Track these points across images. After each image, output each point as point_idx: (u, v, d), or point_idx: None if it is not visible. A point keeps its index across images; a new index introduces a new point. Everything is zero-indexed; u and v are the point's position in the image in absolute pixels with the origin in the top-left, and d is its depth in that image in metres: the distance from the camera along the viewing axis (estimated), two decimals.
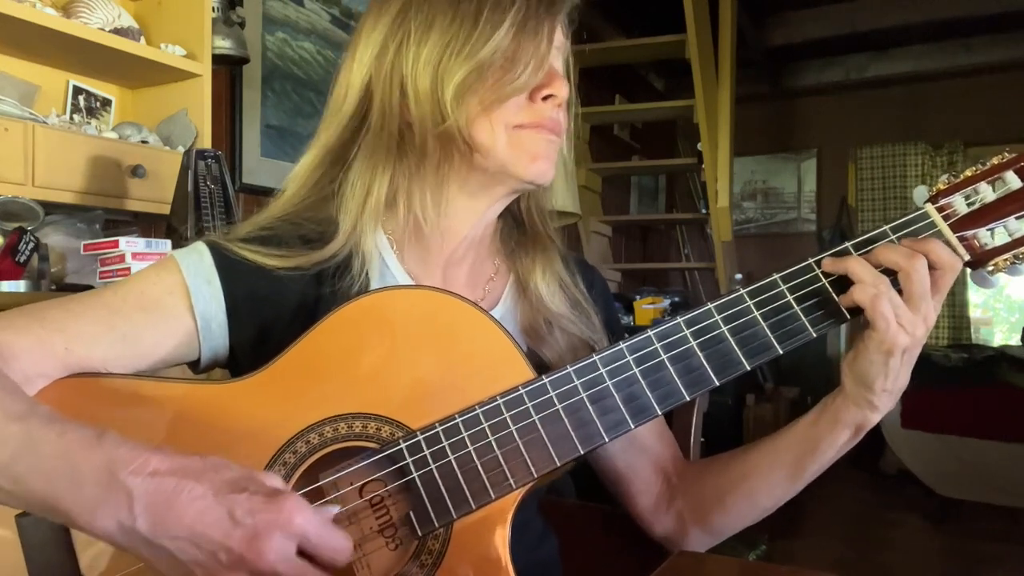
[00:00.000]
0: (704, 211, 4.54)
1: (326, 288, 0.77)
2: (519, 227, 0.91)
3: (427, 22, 0.76)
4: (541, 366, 0.81)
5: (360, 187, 0.80)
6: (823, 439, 0.76)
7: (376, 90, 0.78)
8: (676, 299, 3.68)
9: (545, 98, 0.77)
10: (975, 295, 5.21)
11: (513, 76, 0.74)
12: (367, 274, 0.79)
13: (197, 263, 0.77)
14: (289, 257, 0.77)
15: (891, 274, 0.69)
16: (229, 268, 0.77)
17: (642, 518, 0.89)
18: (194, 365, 0.79)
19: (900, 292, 0.68)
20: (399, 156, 0.80)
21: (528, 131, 0.77)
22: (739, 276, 4.12)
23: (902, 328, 0.68)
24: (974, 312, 5.24)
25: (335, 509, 0.63)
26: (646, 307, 3.57)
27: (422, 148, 0.78)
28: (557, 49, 0.79)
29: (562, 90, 0.77)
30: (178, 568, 0.55)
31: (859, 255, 0.70)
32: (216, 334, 0.77)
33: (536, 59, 0.75)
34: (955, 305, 5.02)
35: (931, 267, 0.68)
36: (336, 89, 0.83)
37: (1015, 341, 4.72)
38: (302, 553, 0.56)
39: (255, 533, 0.53)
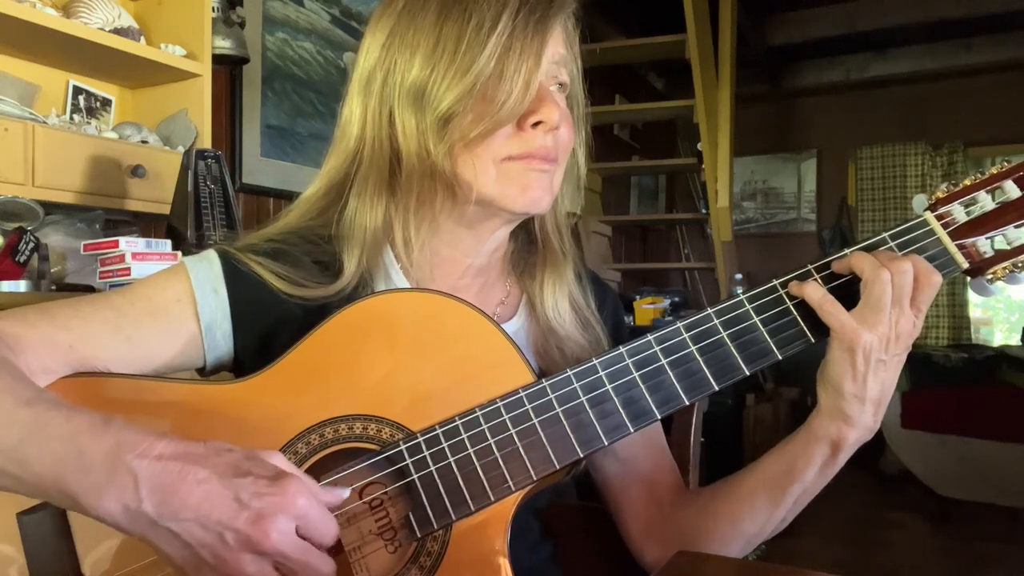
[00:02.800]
0: (704, 211, 4.54)
1: (330, 310, 0.75)
2: (531, 243, 0.88)
3: (411, 48, 0.73)
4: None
5: (358, 226, 0.78)
6: (799, 456, 0.74)
7: (368, 121, 0.77)
8: (676, 299, 3.67)
9: (535, 125, 0.73)
10: (975, 295, 5.20)
11: (496, 107, 0.69)
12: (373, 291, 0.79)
13: (206, 271, 0.77)
14: (298, 285, 0.76)
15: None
16: (238, 277, 0.77)
17: (632, 543, 0.87)
18: (200, 371, 0.80)
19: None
20: (391, 190, 0.78)
21: (517, 163, 0.73)
22: (739, 276, 4.12)
23: (863, 325, 0.67)
24: (974, 312, 5.24)
25: (346, 492, 0.63)
26: (646, 307, 3.56)
27: (408, 181, 0.76)
28: (556, 64, 0.75)
29: (551, 115, 0.72)
30: (183, 550, 0.55)
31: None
32: (220, 343, 0.77)
33: (521, 85, 0.70)
34: (955, 305, 5.02)
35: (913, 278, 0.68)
36: (342, 116, 0.81)
37: (1015, 341, 4.73)
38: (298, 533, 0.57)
39: (260, 515, 0.54)
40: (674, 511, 0.85)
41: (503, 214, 0.77)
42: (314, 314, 0.75)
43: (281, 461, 0.59)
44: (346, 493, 0.63)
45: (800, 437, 0.74)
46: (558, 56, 0.76)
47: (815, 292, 0.69)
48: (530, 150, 0.73)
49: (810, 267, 0.72)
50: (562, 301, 0.85)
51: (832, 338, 0.69)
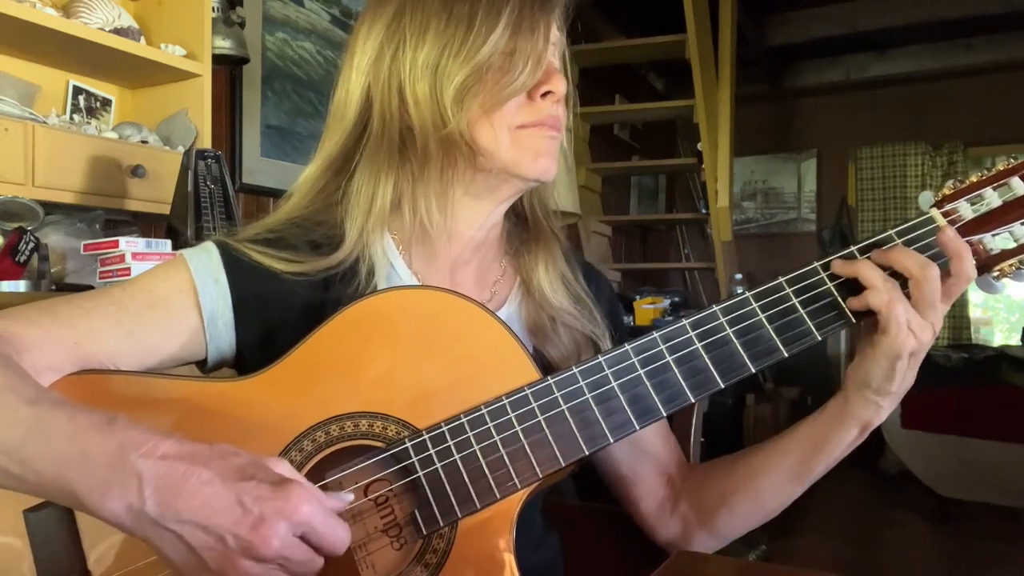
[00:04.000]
0: (704, 211, 4.54)
1: (332, 293, 0.77)
2: (523, 224, 0.91)
3: (422, 26, 0.76)
4: (547, 365, 0.81)
5: (364, 195, 0.80)
6: (829, 439, 0.76)
7: (375, 97, 0.79)
8: (676, 299, 3.67)
9: (544, 95, 0.77)
10: (975, 295, 5.21)
11: (512, 77, 0.74)
12: (374, 277, 0.80)
13: (205, 262, 0.77)
14: (296, 262, 0.77)
15: (899, 278, 0.69)
16: (237, 268, 0.77)
17: (646, 523, 0.89)
18: (201, 364, 0.80)
19: (908, 296, 0.68)
20: (401, 161, 0.80)
21: (530, 130, 0.78)
22: (739, 276, 4.13)
23: (912, 333, 0.68)
24: (974, 312, 5.24)
25: (350, 496, 0.63)
26: (646, 307, 3.56)
27: (424, 153, 0.79)
28: (553, 45, 0.79)
29: (560, 86, 0.78)
30: (184, 552, 0.55)
31: (872, 256, 0.70)
32: (222, 333, 0.77)
33: (534, 57, 0.75)
34: (955, 305, 5.00)
35: (947, 275, 0.69)
36: (336, 98, 0.83)
37: (1015, 341, 4.73)
38: (305, 540, 0.56)
39: (262, 520, 0.54)
40: (687, 487, 0.87)
41: (513, 182, 0.80)
42: (317, 290, 0.77)
43: (286, 469, 0.59)
44: (349, 497, 0.63)
45: (830, 420, 0.76)
46: (555, 37, 0.80)
47: (879, 297, 0.68)
48: (541, 118, 0.78)
49: (816, 264, 0.72)
50: (554, 274, 0.88)
51: (879, 343, 0.69)
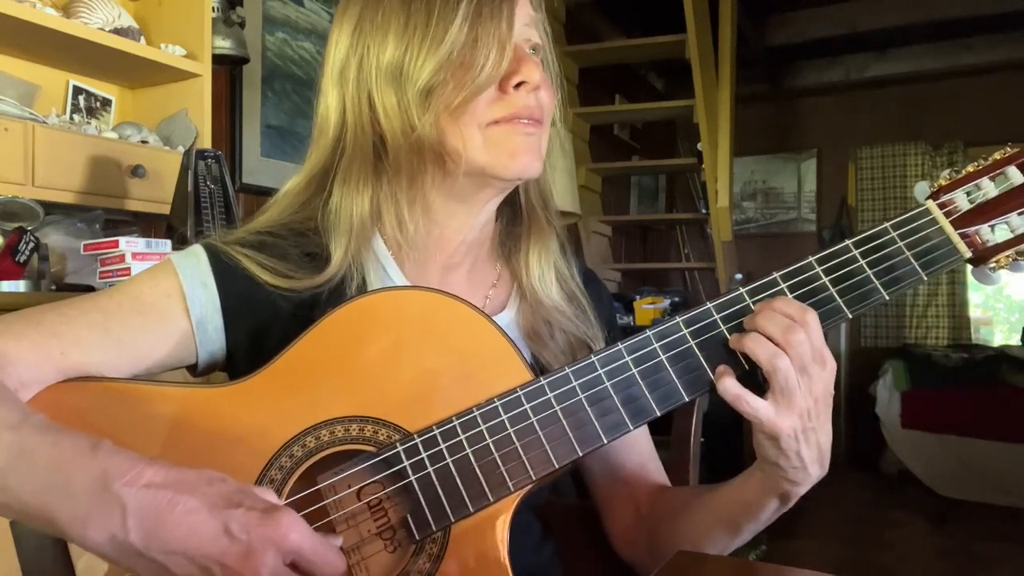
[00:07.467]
0: (704, 211, 4.54)
1: (318, 311, 0.74)
2: (518, 219, 0.88)
3: (382, 31, 0.73)
4: (544, 370, 0.79)
5: (344, 213, 0.77)
6: (753, 505, 0.74)
7: (348, 109, 0.77)
8: (676, 299, 3.67)
9: (517, 86, 0.73)
10: (975, 295, 5.21)
11: (476, 71, 0.70)
12: (367, 284, 0.78)
13: (193, 266, 0.75)
14: (285, 276, 0.75)
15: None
16: (225, 271, 0.75)
17: (614, 541, 0.89)
18: (192, 369, 0.78)
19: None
20: (376, 174, 0.78)
21: (503, 126, 0.73)
22: (739, 276, 4.12)
23: (779, 416, 0.65)
24: (974, 312, 5.23)
25: (338, 541, 0.61)
26: (646, 307, 3.56)
27: (396, 162, 0.76)
28: (526, 26, 0.75)
29: (533, 73, 0.73)
30: None
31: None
32: (212, 337, 0.76)
33: (497, 47, 0.70)
34: (955, 305, 5.01)
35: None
36: (319, 111, 0.81)
37: (1015, 341, 4.73)
38: (296, 569, 0.56)
39: (250, 548, 0.53)
40: (648, 520, 0.85)
41: (495, 183, 0.77)
42: (304, 307, 0.75)
43: (273, 497, 0.58)
44: (339, 541, 0.61)
45: (752, 490, 0.73)
46: (528, 17, 0.76)
47: (731, 387, 0.66)
48: (515, 111, 0.73)
49: (811, 259, 0.71)
50: (548, 272, 0.85)
51: (754, 427, 0.68)
